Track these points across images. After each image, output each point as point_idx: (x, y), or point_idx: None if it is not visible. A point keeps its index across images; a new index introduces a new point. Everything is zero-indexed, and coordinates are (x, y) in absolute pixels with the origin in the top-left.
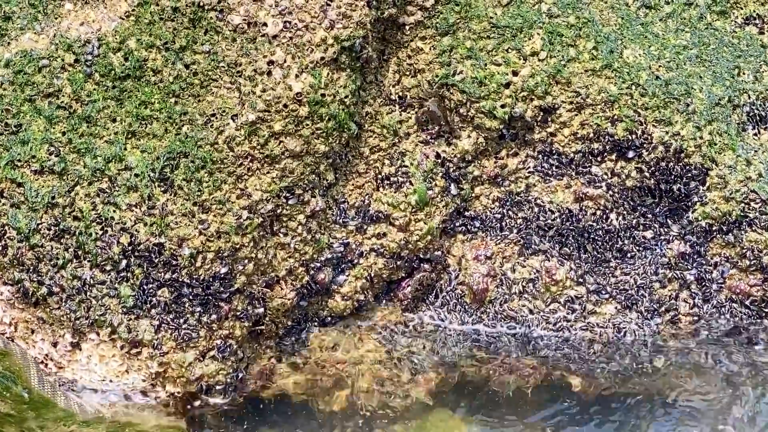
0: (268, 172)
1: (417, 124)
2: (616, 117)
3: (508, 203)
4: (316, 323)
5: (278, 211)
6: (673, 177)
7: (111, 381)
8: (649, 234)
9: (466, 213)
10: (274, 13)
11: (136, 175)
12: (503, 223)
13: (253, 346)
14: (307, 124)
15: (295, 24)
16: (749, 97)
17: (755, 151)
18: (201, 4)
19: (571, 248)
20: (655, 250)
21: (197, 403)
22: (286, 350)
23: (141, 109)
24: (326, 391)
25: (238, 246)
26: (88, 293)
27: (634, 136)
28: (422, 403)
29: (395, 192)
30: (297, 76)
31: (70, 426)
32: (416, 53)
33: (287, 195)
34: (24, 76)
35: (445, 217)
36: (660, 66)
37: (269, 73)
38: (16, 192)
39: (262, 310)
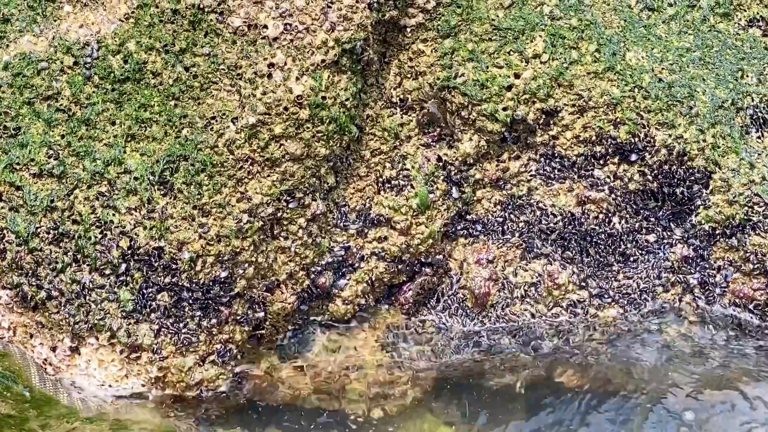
0: (268, 176)
1: (417, 126)
2: (618, 120)
3: (510, 207)
4: (317, 326)
5: (279, 214)
6: (676, 180)
7: (110, 386)
8: (651, 237)
9: (468, 216)
10: (274, 16)
11: (136, 179)
12: (505, 227)
13: (254, 350)
14: (308, 127)
15: (296, 26)
16: (753, 100)
17: (759, 154)
18: (201, 6)
19: (574, 252)
20: (658, 253)
21: (198, 402)
22: (286, 352)
23: (140, 111)
24: (326, 394)
25: (238, 250)
26: (88, 297)
27: (636, 139)
28: (422, 405)
29: (396, 195)
30: (297, 78)
31: (74, 423)
32: (417, 56)
33: (288, 198)
34: (23, 78)
35: (447, 221)
36: (663, 68)
37: (269, 76)
38: (15, 195)
39: (262, 314)
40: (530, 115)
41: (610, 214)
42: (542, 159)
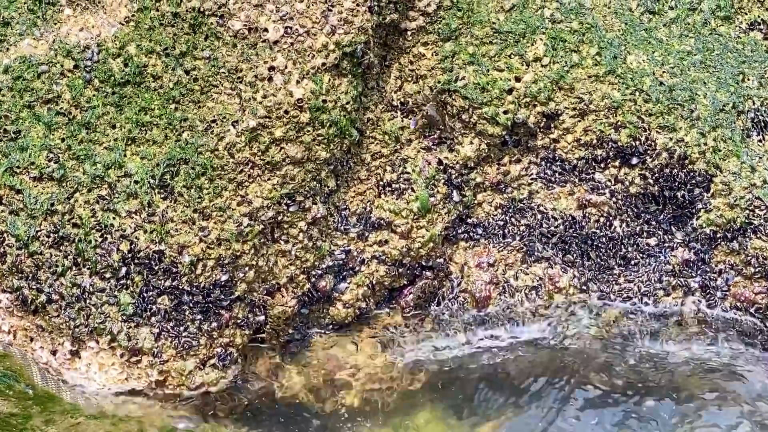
0: (268, 179)
1: (416, 129)
2: (619, 123)
3: (510, 210)
4: (318, 327)
5: (279, 218)
6: (677, 184)
7: (110, 389)
8: (653, 241)
9: (469, 220)
10: (275, 19)
11: (136, 182)
12: (506, 230)
13: (254, 352)
14: (308, 131)
15: (296, 29)
16: (754, 103)
17: (760, 158)
18: (201, 9)
19: (575, 255)
20: (659, 257)
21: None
22: (287, 353)
23: (141, 115)
24: (327, 394)
25: (238, 253)
26: (88, 301)
27: (637, 143)
28: (422, 402)
29: (397, 199)
30: (298, 82)
31: (77, 418)
32: (418, 59)
33: (288, 202)
34: (23, 82)
35: (448, 224)
36: (664, 72)
37: (270, 79)
38: (15, 199)
39: (262, 317)
40: (531, 119)
41: (611, 218)
42: (543, 162)
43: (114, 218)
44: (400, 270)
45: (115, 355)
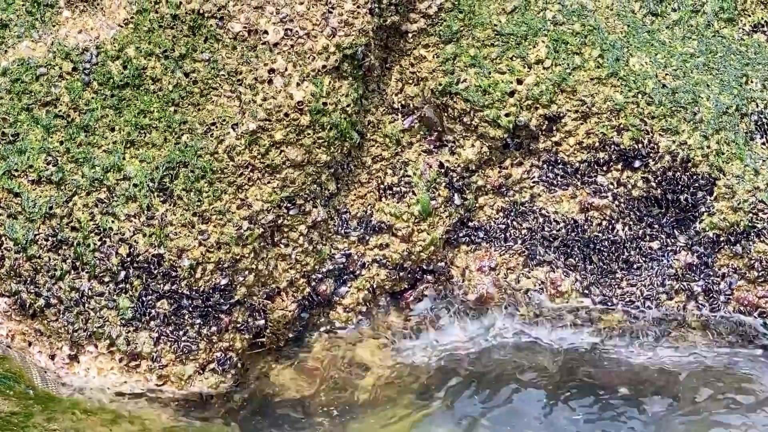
0: (268, 182)
1: (409, 128)
2: (622, 126)
3: (512, 213)
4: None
5: (279, 221)
6: (680, 187)
7: (110, 390)
8: (655, 245)
9: (470, 223)
10: (275, 21)
11: (135, 185)
12: (507, 234)
13: (254, 355)
14: (309, 134)
15: (297, 31)
16: (757, 106)
17: (763, 161)
18: (201, 11)
19: (577, 259)
20: (662, 261)
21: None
22: (287, 353)
23: (140, 118)
24: (327, 394)
25: (238, 257)
26: (86, 305)
27: (640, 146)
28: (424, 405)
29: (398, 202)
30: (298, 84)
31: (79, 416)
32: (419, 61)
33: (288, 205)
34: (21, 84)
35: (449, 228)
36: (667, 74)
37: (270, 82)
38: (13, 202)
39: (262, 321)
40: (533, 122)
41: (613, 221)
42: (545, 165)
43: (113, 222)
44: (401, 274)
45: (113, 360)
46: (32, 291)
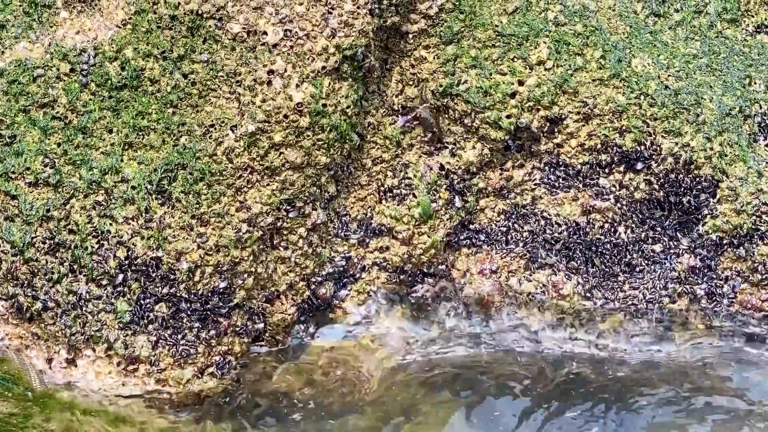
0: (268, 185)
1: (402, 127)
2: (624, 128)
3: (513, 216)
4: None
5: (278, 224)
6: (682, 189)
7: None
8: (658, 247)
9: (471, 226)
10: (274, 22)
11: (133, 188)
12: (509, 237)
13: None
14: (308, 135)
15: (296, 32)
16: (761, 107)
17: (767, 163)
18: (199, 12)
19: (579, 262)
20: (665, 264)
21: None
22: (287, 356)
23: (138, 119)
24: (327, 396)
25: (237, 260)
26: (84, 308)
27: (642, 148)
28: (426, 406)
29: (398, 204)
30: (298, 85)
31: (77, 416)
32: (420, 62)
33: (288, 208)
34: (18, 85)
35: (450, 230)
36: (669, 75)
37: (269, 83)
38: (10, 205)
39: (262, 325)
40: (534, 123)
41: (615, 224)
42: (546, 167)
43: (111, 224)
44: (402, 277)
45: (111, 364)
46: (29, 294)
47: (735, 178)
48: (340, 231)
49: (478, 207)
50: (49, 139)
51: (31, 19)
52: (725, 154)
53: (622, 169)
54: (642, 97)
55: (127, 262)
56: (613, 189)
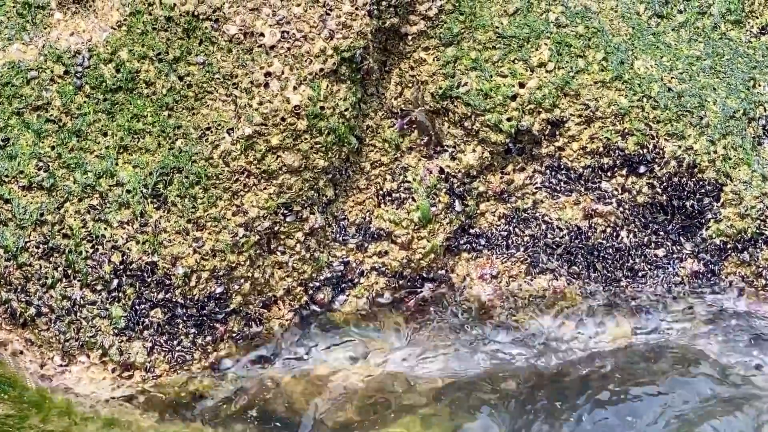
0: (265, 188)
1: (399, 129)
2: (626, 130)
3: (514, 220)
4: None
5: (276, 228)
6: (686, 193)
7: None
8: (661, 252)
9: (471, 230)
10: (271, 23)
11: (128, 191)
12: (509, 241)
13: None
14: (306, 138)
15: (294, 34)
16: (765, 110)
17: None
18: (195, 13)
19: (580, 267)
20: (668, 268)
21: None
22: (283, 361)
23: (133, 122)
24: (323, 402)
25: (233, 265)
26: (78, 314)
27: (645, 151)
28: (421, 414)
29: (397, 209)
30: (295, 88)
31: (74, 418)
32: (419, 64)
33: (285, 212)
34: (11, 88)
35: (449, 235)
36: (672, 77)
37: (266, 85)
38: (4, 209)
39: (259, 330)
40: (535, 126)
41: (617, 228)
42: (548, 171)
43: (105, 229)
44: (401, 282)
45: (106, 370)
46: (23, 299)
47: (739, 182)
48: (338, 235)
49: (478, 211)
50: (42, 142)
51: (24, 21)
52: (729, 158)
53: (624, 172)
54: (645, 100)
55: (122, 266)
56: (616, 193)
